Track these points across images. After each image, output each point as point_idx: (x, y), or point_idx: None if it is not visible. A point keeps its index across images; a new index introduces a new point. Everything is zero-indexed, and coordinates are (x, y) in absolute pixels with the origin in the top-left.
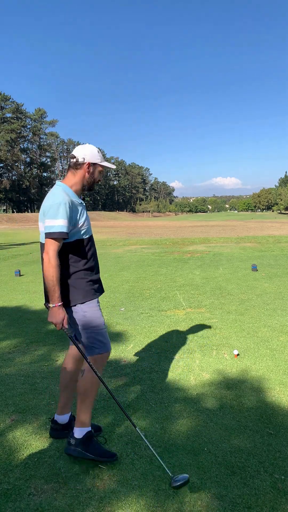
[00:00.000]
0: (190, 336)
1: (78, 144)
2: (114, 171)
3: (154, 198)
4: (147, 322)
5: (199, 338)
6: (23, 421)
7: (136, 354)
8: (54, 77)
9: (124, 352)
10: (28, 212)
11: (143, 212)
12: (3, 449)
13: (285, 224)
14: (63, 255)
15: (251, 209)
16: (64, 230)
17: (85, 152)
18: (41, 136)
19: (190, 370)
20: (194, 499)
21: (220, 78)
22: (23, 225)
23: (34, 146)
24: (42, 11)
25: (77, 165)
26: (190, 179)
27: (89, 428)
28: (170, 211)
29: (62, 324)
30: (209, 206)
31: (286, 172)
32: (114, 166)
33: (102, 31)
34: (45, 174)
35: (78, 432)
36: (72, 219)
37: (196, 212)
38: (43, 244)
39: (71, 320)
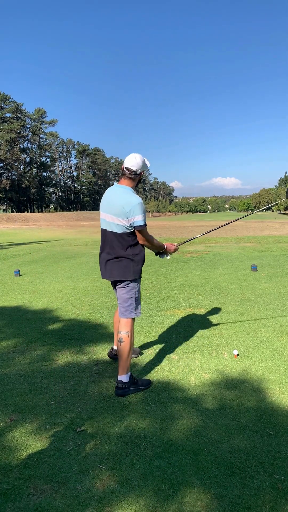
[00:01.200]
0: (189, 336)
1: (78, 144)
2: (114, 170)
3: (154, 198)
4: (146, 322)
5: (199, 338)
6: (23, 421)
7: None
8: (54, 76)
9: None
10: (28, 212)
11: None
12: (2, 449)
13: (285, 224)
14: (134, 241)
15: (251, 209)
16: (146, 221)
17: (140, 165)
18: (41, 135)
19: (189, 370)
20: (194, 500)
21: (219, 79)
22: (22, 224)
23: (33, 146)
24: (42, 9)
25: (136, 175)
26: (190, 179)
27: (129, 372)
28: (170, 211)
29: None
30: (209, 206)
31: (286, 172)
32: (149, 164)
33: (104, 31)
34: (44, 174)
35: (126, 378)
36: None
37: (196, 212)
38: (118, 233)
39: (126, 289)
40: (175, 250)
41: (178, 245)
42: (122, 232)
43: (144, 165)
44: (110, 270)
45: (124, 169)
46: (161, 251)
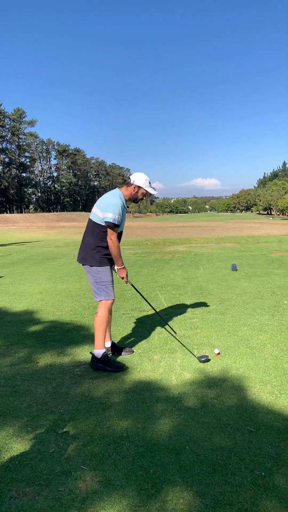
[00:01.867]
0: (171, 336)
1: (58, 144)
2: (95, 171)
3: None
4: (128, 323)
5: (180, 337)
6: (4, 423)
7: (117, 355)
8: (33, 76)
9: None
10: (7, 213)
11: None
12: None
13: (263, 225)
14: (102, 234)
15: (231, 210)
16: (116, 222)
17: (136, 178)
18: (20, 136)
19: (171, 369)
20: (176, 498)
21: (199, 80)
22: (1, 226)
23: (13, 146)
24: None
25: (128, 184)
26: (171, 180)
27: (104, 350)
28: (151, 212)
29: (127, 278)
30: (189, 206)
31: (264, 173)
32: (155, 192)
33: (88, 27)
34: (24, 174)
35: (97, 352)
36: (120, 216)
37: (177, 212)
38: (93, 221)
39: (90, 275)
40: (125, 276)
41: (129, 282)
42: (95, 221)
43: (141, 182)
44: (79, 252)
45: None
46: (117, 265)
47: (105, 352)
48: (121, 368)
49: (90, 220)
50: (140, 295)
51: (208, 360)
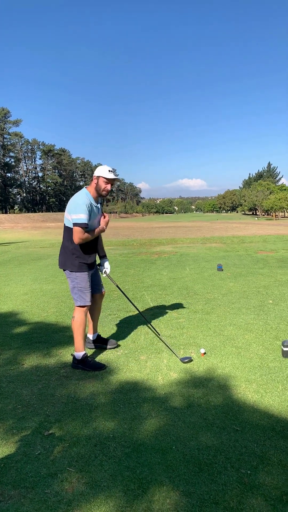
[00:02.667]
0: (157, 336)
1: (43, 144)
2: (80, 171)
3: (121, 199)
4: (114, 323)
5: (167, 338)
6: None
7: (103, 356)
8: (16, 75)
9: (92, 353)
10: None
11: (110, 213)
12: None
13: (249, 225)
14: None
15: (216, 210)
16: (82, 221)
17: (96, 170)
18: (5, 136)
19: (158, 369)
20: (163, 498)
21: (184, 81)
22: None
23: None
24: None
25: (93, 178)
26: (157, 180)
27: (84, 352)
28: (137, 212)
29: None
30: (175, 207)
31: (249, 174)
32: (113, 176)
33: (67, 28)
34: (9, 174)
35: (77, 354)
36: (89, 215)
37: (163, 213)
38: (67, 226)
39: (69, 279)
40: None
41: (112, 280)
42: (68, 226)
43: (99, 171)
44: (59, 258)
45: None
46: (102, 228)
47: (85, 354)
48: (100, 368)
49: (64, 225)
50: (124, 295)
51: (191, 361)
